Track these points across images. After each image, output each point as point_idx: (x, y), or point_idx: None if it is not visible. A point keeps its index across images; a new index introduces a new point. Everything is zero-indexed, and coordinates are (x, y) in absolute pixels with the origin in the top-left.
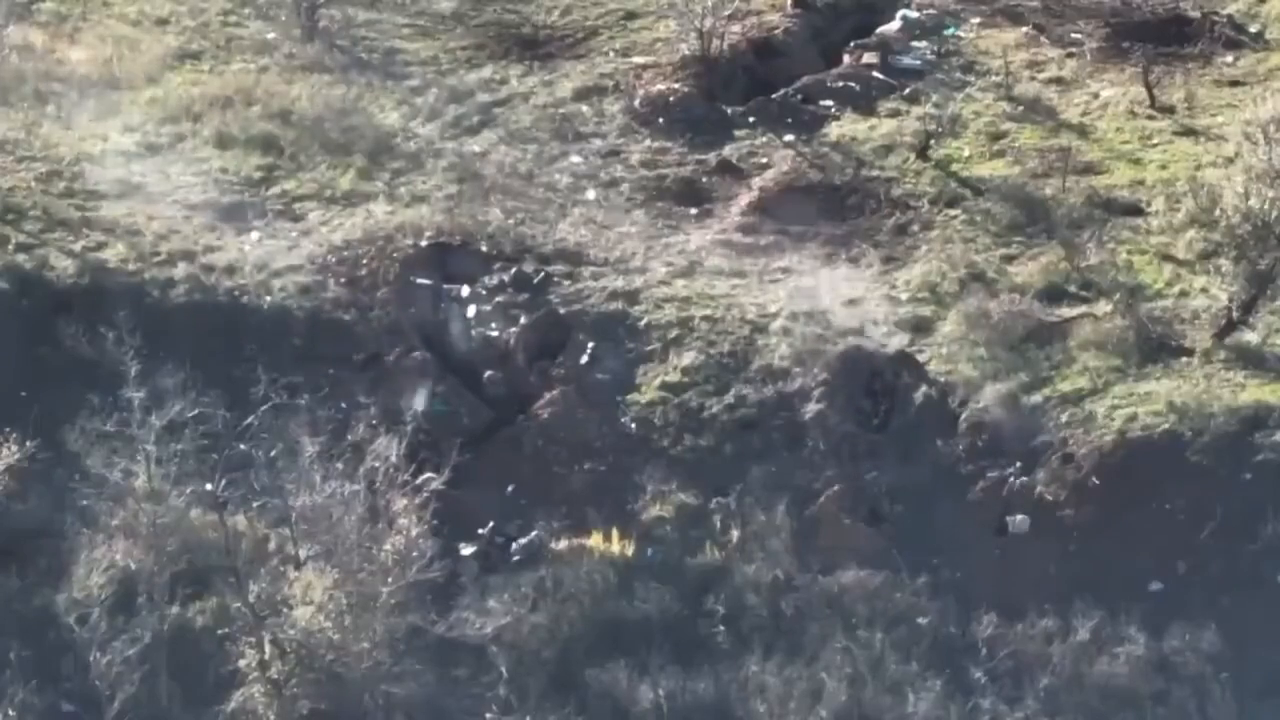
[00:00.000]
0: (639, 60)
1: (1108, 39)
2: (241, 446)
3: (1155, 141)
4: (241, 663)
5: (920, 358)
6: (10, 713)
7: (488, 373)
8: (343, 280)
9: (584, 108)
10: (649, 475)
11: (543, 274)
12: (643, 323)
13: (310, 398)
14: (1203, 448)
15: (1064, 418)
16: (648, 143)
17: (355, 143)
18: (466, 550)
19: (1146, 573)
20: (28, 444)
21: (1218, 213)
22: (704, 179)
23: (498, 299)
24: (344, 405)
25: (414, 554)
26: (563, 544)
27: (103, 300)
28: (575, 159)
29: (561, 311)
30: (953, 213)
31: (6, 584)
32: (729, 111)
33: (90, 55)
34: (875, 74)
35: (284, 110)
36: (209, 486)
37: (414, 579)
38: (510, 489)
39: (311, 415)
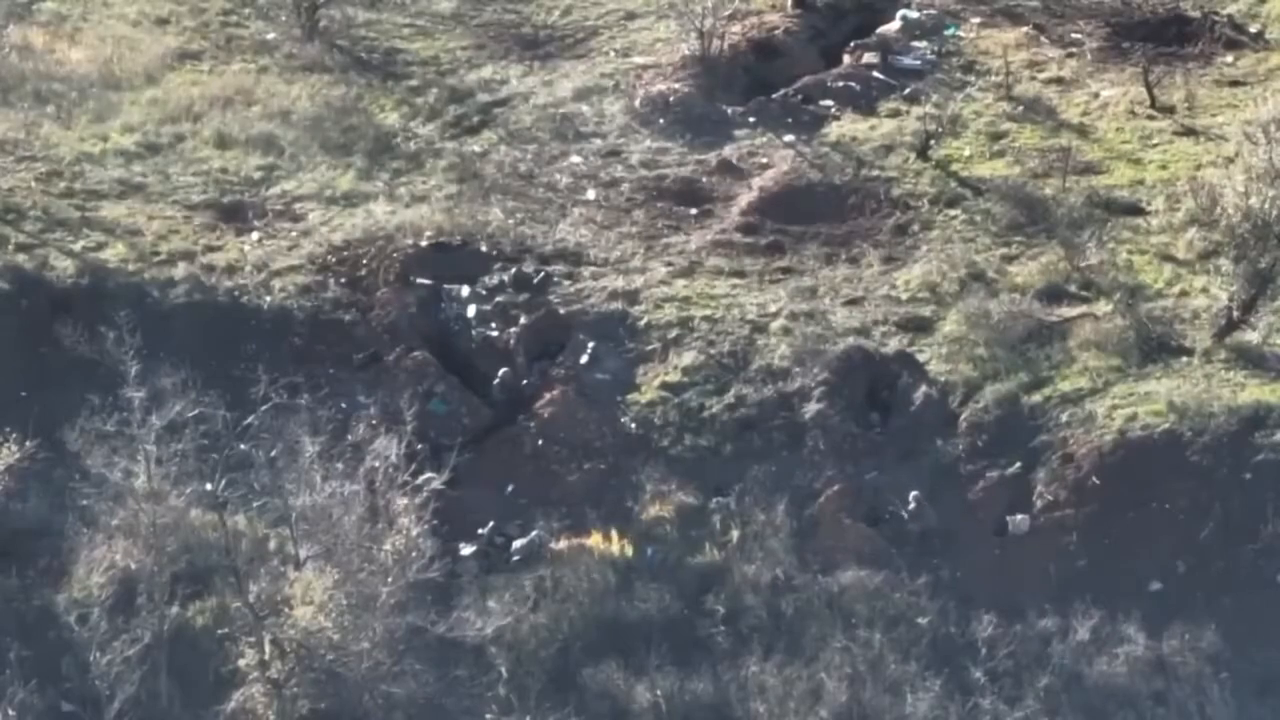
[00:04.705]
0: (639, 60)
1: (1108, 39)
2: (241, 446)
3: (1155, 141)
4: (241, 663)
5: (920, 358)
6: (10, 713)
7: (487, 372)
8: (343, 280)
9: (584, 108)
10: (649, 475)
11: (543, 274)
12: (643, 323)
13: (310, 398)
14: (1203, 447)
15: (1064, 418)
16: (648, 143)
17: (355, 143)
18: (466, 550)
19: (1146, 573)
20: (28, 444)
21: (1218, 212)
22: (704, 179)
23: (498, 299)
24: (344, 405)
25: (414, 554)
26: (562, 544)
27: (103, 300)
28: (575, 159)
29: (561, 311)
30: (953, 213)
31: (6, 584)
32: (729, 111)
33: (90, 55)
34: (875, 74)
35: (284, 110)
36: (209, 486)
37: (414, 579)
38: (510, 489)
39: (311, 415)
